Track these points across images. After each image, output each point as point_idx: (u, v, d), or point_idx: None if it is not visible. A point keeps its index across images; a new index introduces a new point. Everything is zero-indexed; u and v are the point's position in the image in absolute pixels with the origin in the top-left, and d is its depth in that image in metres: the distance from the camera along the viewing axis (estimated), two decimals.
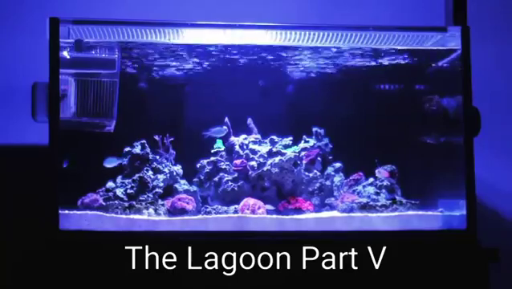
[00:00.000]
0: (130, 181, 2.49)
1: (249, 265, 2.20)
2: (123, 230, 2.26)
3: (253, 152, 2.58)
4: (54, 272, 2.16)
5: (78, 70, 2.39)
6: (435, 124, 2.53)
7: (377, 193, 2.53)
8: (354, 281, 2.22)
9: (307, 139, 2.64)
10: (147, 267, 2.17)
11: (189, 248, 2.20)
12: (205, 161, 2.61)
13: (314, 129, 2.65)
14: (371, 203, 2.44)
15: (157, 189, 2.50)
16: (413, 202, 2.46)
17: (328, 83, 2.72)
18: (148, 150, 2.55)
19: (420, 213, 2.40)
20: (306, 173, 2.58)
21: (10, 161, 2.73)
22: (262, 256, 2.21)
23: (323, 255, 2.22)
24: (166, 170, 2.55)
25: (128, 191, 2.46)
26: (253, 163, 2.56)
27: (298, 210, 2.45)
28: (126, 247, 2.19)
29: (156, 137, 2.58)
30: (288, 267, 2.21)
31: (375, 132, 2.69)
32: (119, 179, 2.51)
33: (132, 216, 2.33)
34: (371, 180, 2.59)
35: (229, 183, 2.54)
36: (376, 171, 2.58)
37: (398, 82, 2.74)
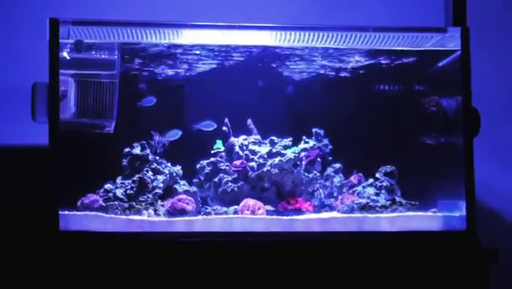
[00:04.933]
0: (130, 181, 2.49)
1: (249, 266, 2.20)
2: (122, 231, 2.26)
3: (253, 152, 2.58)
4: (54, 273, 2.16)
5: (78, 70, 2.39)
6: (435, 125, 2.53)
7: (377, 194, 2.53)
8: (354, 282, 2.22)
9: (307, 140, 2.64)
10: (146, 268, 2.17)
11: (189, 249, 2.20)
12: (204, 162, 2.60)
13: (313, 130, 2.65)
14: (370, 204, 2.44)
15: (157, 190, 2.49)
16: (413, 203, 2.46)
17: (328, 84, 2.72)
18: (148, 151, 2.55)
19: (420, 213, 2.40)
20: (306, 174, 2.58)
21: (9, 162, 2.73)
22: (262, 257, 2.21)
23: (323, 256, 2.22)
24: (166, 171, 2.55)
25: (128, 192, 2.46)
26: (253, 164, 2.55)
27: (298, 211, 2.45)
28: (126, 248, 2.19)
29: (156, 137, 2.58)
30: (288, 268, 2.21)
31: (375, 133, 2.69)
32: (119, 180, 2.51)
33: (131, 217, 2.33)
34: (370, 180, 2.59)
35: (229, 184, 2.54)
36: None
37: (398, 83, 2.74)
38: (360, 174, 2.63)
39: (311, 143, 2.63)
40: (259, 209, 2.41)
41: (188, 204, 2.43)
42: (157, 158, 2.55)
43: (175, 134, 2.56)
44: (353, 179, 2.61)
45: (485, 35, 2.84)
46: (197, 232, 2.29)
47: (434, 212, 2.40)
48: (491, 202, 2.89)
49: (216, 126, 2.59)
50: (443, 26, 2.49)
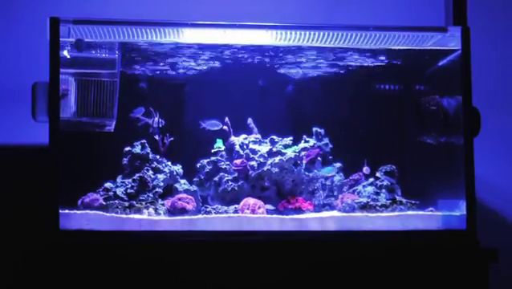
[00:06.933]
0: (130, 180, 2.49)
1: (249, 265, 2.20)
2: (123, 230, 2.26)
3: (254, 151, 2.58)
4: (54, 272, 2.16)
5: (78, 70, 2.39)
6: (435, 125, 2.54)
7: (377, 193, 2.53)
8: (354, 281, 2.22)
9: (307, 139, 2.64)
10: (146, 267, 2.17)
11: (189, 248, 2.20)
12: (205, 161, 2.61)
13: (314, 129, 2.65)
14: (371, 203, 2.44)
15: (157, 189, 2.50)
16: (413, 202, 2.46)
17: (328, 83, 2.72)
18: (148, 150, 2.56)
19: (420, 213, 2.40)
20: (306, 173, 2.58)
21: (10, 161, 2.73)
22: (262, 256, 2.21)
23: (323, 255, 2.23)
24: (166, 170, 2.55)
25: (128, 191, 2.47)
26: (254, 163, 2.56)
27: (298, 210, 2.45)
28: (126, 247, 2.19)
29: (156, 137, 2.58)
30: (288, 267, 2.21)
31: (376, 132, 2.69)
32: (119, 179, 2.51)
33: (132, 215, 2.33)
34: (371, 180, 2.59)
35: (229, 183, 2.54)
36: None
37: (398, 82, 2.74)
38: (360, 173, 2.63)
39: (312, 142, 2.63)
40: (259, 208, 2.41)
41: (188, 203, 2.43)
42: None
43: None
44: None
45: (486, 35, 2.84)
46: (198, 231, 2.29)
47: (431, 211, 2.41)
48: (491, 202, 2.89)
49: (221, 126, 2.60)
50: (443, 25, 2.49)
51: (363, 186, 2.58)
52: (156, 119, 2.55)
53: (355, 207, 2.43)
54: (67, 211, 2.26)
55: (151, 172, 2.53)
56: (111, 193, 2.44)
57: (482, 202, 2.81)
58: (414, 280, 2.24)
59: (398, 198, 2.48)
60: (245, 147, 2.60)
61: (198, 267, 2.19)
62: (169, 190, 2.54)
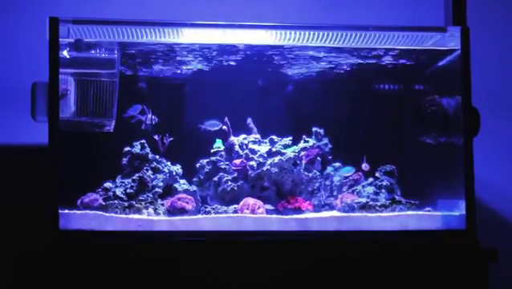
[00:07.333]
0: (129, 180, 2.49)
1: (248, 265, 2.20)
2: (122, 230, 2.26)
3: (253, 151, 2.58)
4: (54, 272, 2.16)
5: (77, 70, 2.39)
6: (435, 124, 2.53)
7: (376, 193, 2.53)
8: (353, 281, 2.22)
9: (307, 139, 2.64)
10: (146, 267, 2.17)
11: (189, 248, 2.20)
12: (204, 161, 2.61)
13: (313, 129, 2.65)
14: (370, 203, 2.44)
15: (157, 189, 2.50)
16: (413, 202, 2.46)
17: (328, 83, 2.72)
18: (148, 150, 2.56)
19: (420, 213, 2.40)
20: (306, 173, 2.58)
21: (10, 161, 2.74)
22: (262, 256, 2.21)
23: (323, 255, 2.22)
24: (166, 170, 2.55)
25: (128, 191, 2.47)
26: (253, 163, 2.56)
27: (298, 210, 2.45)
28: (125, 247, 2.19)
29: (156, 137, 2.59)
30: (288, 267, 2.21)
31: (376, 132, 2.69)
32: (118, 179, 2.51)
33: (131, 216, 2.33)
34: (370, 180, 2.59)
35: (229, 183, 2.54)
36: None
37: (398, 82, 2.74)
38: (360, 173, 2.63)
39: (311, 142, 2.63)
40: (259, 208, 2.41)
41: (188, 203, 2.43)
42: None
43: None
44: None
45: (486, 35, 2.84)
46: (197, 231, 2.29)
47: (429, 210, 2.41)
48: (491, 202, 2.89)
49: (221, 125, 2.60)
50: (443, 25, 2.48)
51: (363, 186, 2.58)
52: (149, 116, 2.55)
53: (354, 207, 2.43)
54: (66, 211, 2.26)
55: (150, 172, 2.53)
56: (110, 193, 2.44)
57: (482, 202, 2.81)
58: (414, 280, 2.24)
59: (398, 198, 2.48)
60: (244, 147, 2.60)
61: (198, 267, 2.19)
62: (169, 190, 2.54)
